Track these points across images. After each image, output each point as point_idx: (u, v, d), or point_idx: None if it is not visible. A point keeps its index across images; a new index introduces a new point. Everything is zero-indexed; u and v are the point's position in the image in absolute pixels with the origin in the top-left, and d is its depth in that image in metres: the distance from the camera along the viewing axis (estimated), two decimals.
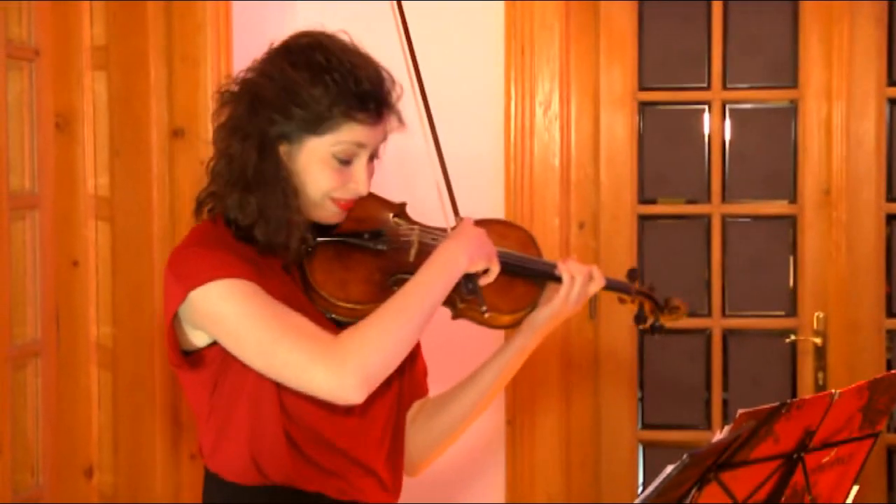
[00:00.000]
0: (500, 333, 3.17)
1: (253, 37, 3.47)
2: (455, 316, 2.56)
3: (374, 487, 2.55)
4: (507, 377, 2.68)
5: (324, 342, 2.29)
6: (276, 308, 2.33)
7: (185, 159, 3.76)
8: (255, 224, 2.40)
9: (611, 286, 2.73)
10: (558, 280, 2.61)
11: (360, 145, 2.42)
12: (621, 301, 2.84)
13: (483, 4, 4.20)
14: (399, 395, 2.62)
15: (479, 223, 2.57)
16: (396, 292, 2.36)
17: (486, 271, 2.49)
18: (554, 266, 2.63)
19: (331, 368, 2.26)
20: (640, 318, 2.75)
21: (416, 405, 2.72)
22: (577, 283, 2.60)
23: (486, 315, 2.50)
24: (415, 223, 2.57)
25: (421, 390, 2.73)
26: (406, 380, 2.65)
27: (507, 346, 2.66)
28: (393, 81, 2.48)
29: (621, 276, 2.84)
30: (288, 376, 2.31)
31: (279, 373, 2.32)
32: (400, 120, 2.49)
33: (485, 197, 4.14)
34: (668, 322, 2.81)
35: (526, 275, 2.59)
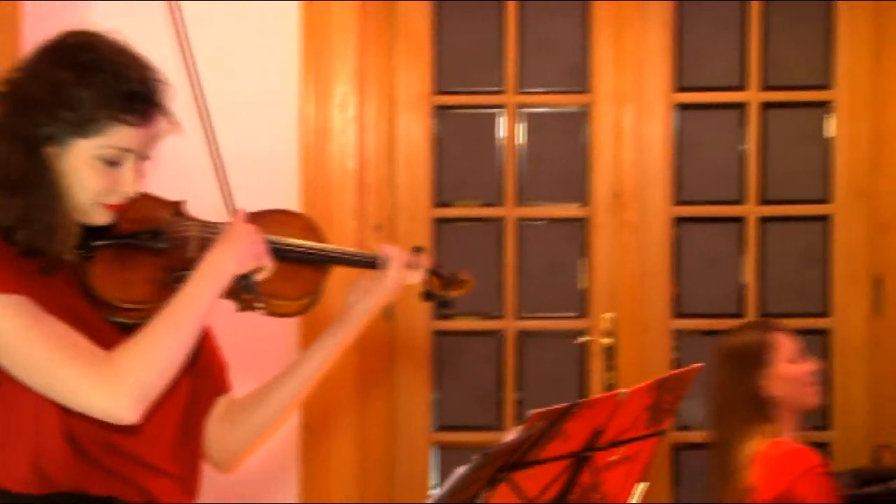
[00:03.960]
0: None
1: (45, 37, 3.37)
2: (241, 308, 2.55)
3: (168, 489, 2.51)
4: (327, 367, 2.67)
5: (97, 363, 2.25)
6: (50, 326, 2.28)
7: None
8: (16, 227, 2.34)
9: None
10: (373, 266, 2.61)
11: (127, 148, 2.38)
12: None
13: (278, 7, 4.17)
14: (192, 394, 2.59)
15: (258, 214, 2.55)
16: (166, 306, 2.33)
17: (259, 273, 2.48)
18: (370, 254, 2.63)
19: (104, 390, 2.23)
20: (429, 296, 2.76)
21: (222, 402, 2.68)
22: (396, 270, 2.61)
23: (267, 307, 2.50)
24: (193, 219, 2.55)
25: (220, 387, 2.69)
26: (200, 379, 2.62)
27: (328, 336, 2.65)
28: (163, 81, 2.43)
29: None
30: (62, 397, 2.28)
31: (54, 393, 2.28)
32: (171, 121, 2.45)
33: (279, 199, 4.09)
34: (456, 295, 2.83)
35: (308, 261, 2.59)
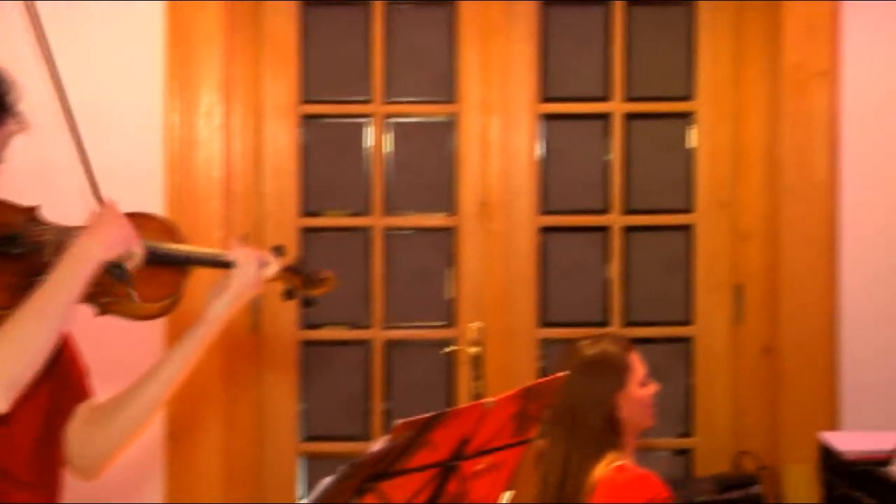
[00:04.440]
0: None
1: None
2: (100, 312, 2.52)
3: (28, 499, 2.47)
4: (189, 369, 2.65)
5: None
6: None
7: None
8: None
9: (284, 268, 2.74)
10: (228, 266, 2.60)
11: None
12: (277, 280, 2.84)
13: (142, 14, 4.13)
14: (52, 401, 2.55)
15: None
16: (31, 295, 2.30)
17: (130, 259, 2.45)
18: (222, 253, 2.62)
19: None
20: (290, 294, 2.76)
21: (83, 408, 2.64)
22: (250, 267, 2.60)
23: (136, 304, 2.47)
24: (48, 224, 2.51)
25: (80, 394, 2.65)
26: (60, 385, 2.58)
27: (187, 337, 2.63)
28: (9, 83, 2.39)
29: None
30: None
31: None
32: (20, 122, 2.41)
33: (144, 208, 4.03)
34: (318, 294, 2.83)
35: (169, 262, 2.57)
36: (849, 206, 4.14)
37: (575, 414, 3.40)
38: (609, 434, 3.38)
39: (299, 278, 2.74)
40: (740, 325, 4.35)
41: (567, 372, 2.99)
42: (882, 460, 3.48)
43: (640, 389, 3.45)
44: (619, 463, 3.36)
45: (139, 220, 2.60)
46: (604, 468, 3.35)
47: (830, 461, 3.71)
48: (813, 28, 4.11)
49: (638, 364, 3.47)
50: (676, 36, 4.42)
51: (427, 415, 2.34)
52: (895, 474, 3.38)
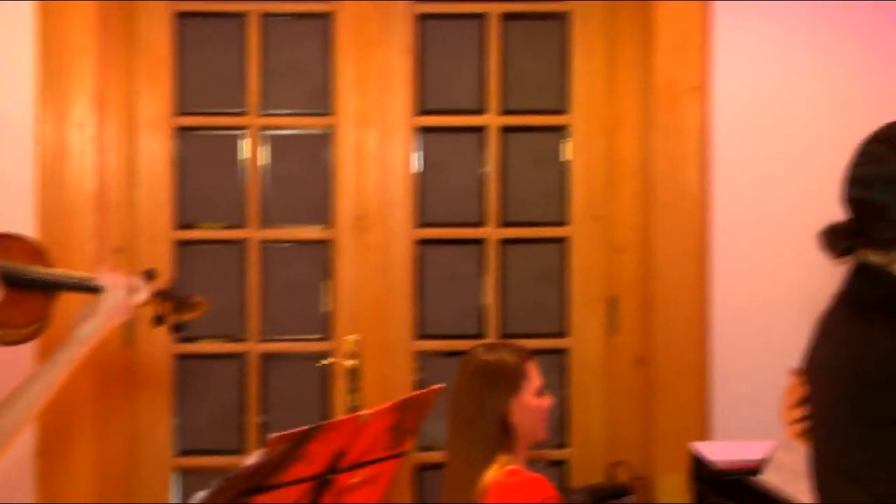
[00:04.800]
0: None
1: None
2: None
3: None
4: (53, 391, 2.61)
5: None
6: None
7: None
8: None
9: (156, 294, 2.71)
10: (96, 291, 2.57)
11: None
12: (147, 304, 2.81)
13: (12, 24, 4.06)
14: None
15: None
16: None
17: None
18: (90, 278, 2.59)
19: None
20: (160, 320, 2.73)
21: None
22: (119, 292, 2.57)
23: (3, 330, 2.44)
24: None
25: None
26: None
27: (52, 360, 2.59)
28: None
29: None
30: None
31: None
32: None
33: (15, 221, 3.99)
34: (188, 318, 2.81)
35: (36, 287, 2.53)
36: (720, 219, 4.20)
37: (469, 418, 3.47)
38: (501, 438, 3.44)
39: (170, 303, 2.72)
40: (614, 337, 4.40)
41: (443, 385, 3.00)
42: (752, 469, 3.54)
43: (534, 399, 3.52)
44: (511, 467, 3.41)
45: (6, 241, 2.56)
46: (495, 471, 3.39)
47: (702, 471, 3.76)
48: (684, 44, 4.17)
49: (535, 374, 3.54)
50: (551, 50, 4.46)
51: (302, 428, 2.33)
52: (764, 483, 3.43)
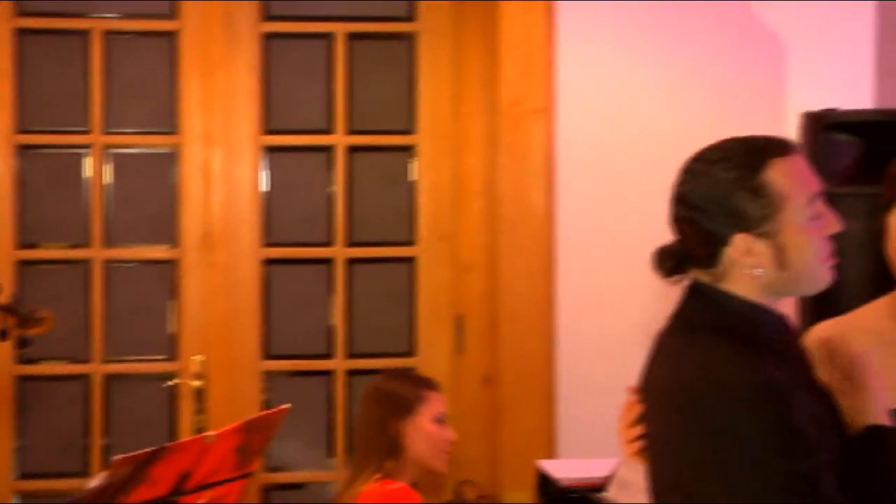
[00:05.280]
0: None
1: None
2: None
3: None
4: None
5: None
6: None
7: None
8: None
9: None
10: None
11: None
12: None
13: None
14: None
15: None
16: None
17: None
18: None
19: None
20: (3, 335, 2.69)
21: None
22: None
23: None
24: None
25: None
26: None
27: None
28: None
29: None
30: None
31: None
32: None
33: None
34: (35, 333, 2.77)
35: None
36: (564, 238, 4.25)
37: (362, 436, 3.52)
38: (389, 457, 3.46)
39: (14, 318, 2.68)
40: (461, 356, 4.42)
41: (289, 405, 3.00)
42: (596, 486, 3.58)
43: (431, 424, 3.54)
44: (383, 478, 3.44)
45: None
46: (368, 483, 3.42)
47: (547, 488, 3.80)
48: (529, 66, 4.22)
49: (436, 402, 3.58)
50: (398, 70, 4.48)
51: (146, 450, 2.31)
52: (608, 500, 3.48)
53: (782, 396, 2.11)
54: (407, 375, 3.77)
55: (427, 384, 3.64)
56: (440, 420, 3.59)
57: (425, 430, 3.55)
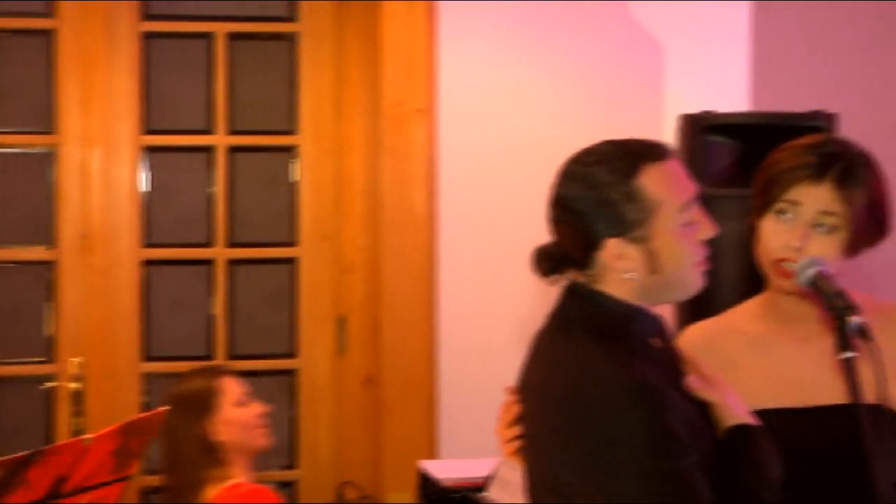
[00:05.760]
0: None
1: None
2: None
3: None
4: None
5: None
6: None
7: None
8: None
9: None
10: None
11: None
12: None
13: None
14: None
15: None
16: None
17: None
18: None
19: None
20: None
21: None
22: None
23: None
24: None
25: None
26: None
27: None
28: None
29: None
30: None
31: None
32: None
33: None
34: None
35: None
36: (446, 239, 4.27)
37: (171, 448, 3.45)
38: (209, 459, 3.43)
39: None
40: (343, 357, 4.42)
41: (167, 408, 2.99)
42: (477, 486, 3.60)
43: (237, 410, 3.51)
44: (232, 481, 3.41)
45: None
46: (216, 489, 3.39)
47: (429, 489, 3.81)
48: (411, 67, 4.23)
49: (232, 386, 3.54)
50: (280, 70, 4.47)
51: (21, 454, 2.28)
52: (489, 500, 3.50)
53: (655, 397, 2.14)
54: (194, 374, 3.68)
55: (217, 373, 3.60)
56: (242, 402, 3.56)
57: (233, 419, 3.53)
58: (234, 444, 3.49)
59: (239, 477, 3.46)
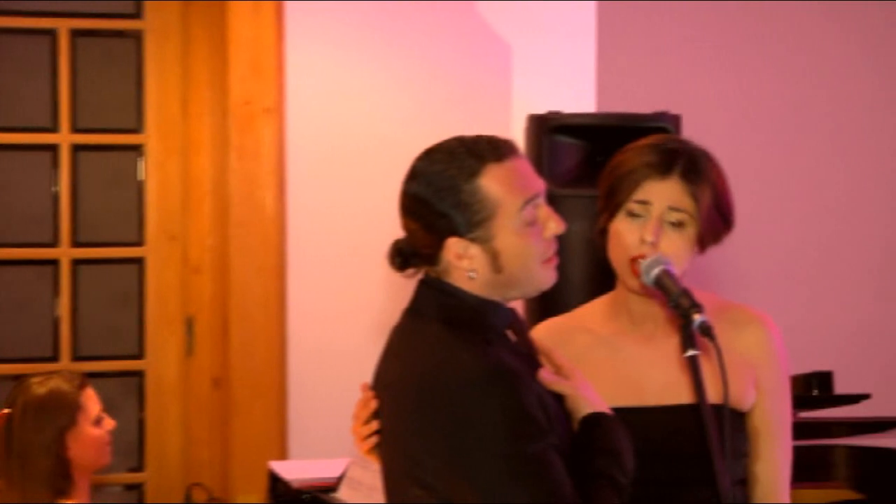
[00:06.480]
0: None
1: None
2: None
3: None
4: None
5: None
6: None
7: None
8: None
9: None
10: None
11: None
12: None
13: None
14: None
15: None
16: None
17: None
18: None
19: None
20: None
21: None
22: None
23: None
24: None
25: None
26: None
27: None
28: None
29: None
30: None
31: None
32: None
33: None
34: None
35: None
36: (294, 238, 4.26)
37: (23, 455, 3.28)
38: (57, 475, 3.28)
39: None
40: (191, 358, 4.38)
41: (10, 410, 2.90)
42: (328, 487, 3.60)
43: (93, 429, 3.33)
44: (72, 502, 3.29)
45: None
46: None
47: (279, 490, 3.79)
48: (258, 66, 4.21)
49: (92, 402, 3.34)
50: (125, 68, 4.41)
51: None
52: (339, 500, 3.50)
53: (512, 380, 2.16)
54: (61, 381, 3.34)
55: (82, 384, 3.38)
56: (99, 419, 3.38)
57: (89, 437, 3.31)
58: (81, 462, 3.32)
59: (80, 498, 3.30)
